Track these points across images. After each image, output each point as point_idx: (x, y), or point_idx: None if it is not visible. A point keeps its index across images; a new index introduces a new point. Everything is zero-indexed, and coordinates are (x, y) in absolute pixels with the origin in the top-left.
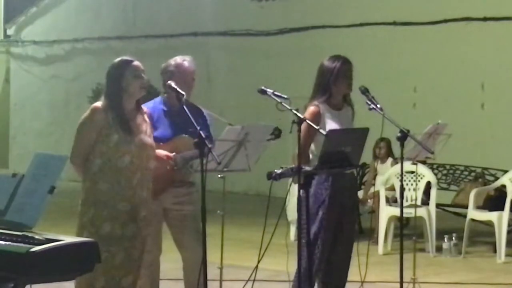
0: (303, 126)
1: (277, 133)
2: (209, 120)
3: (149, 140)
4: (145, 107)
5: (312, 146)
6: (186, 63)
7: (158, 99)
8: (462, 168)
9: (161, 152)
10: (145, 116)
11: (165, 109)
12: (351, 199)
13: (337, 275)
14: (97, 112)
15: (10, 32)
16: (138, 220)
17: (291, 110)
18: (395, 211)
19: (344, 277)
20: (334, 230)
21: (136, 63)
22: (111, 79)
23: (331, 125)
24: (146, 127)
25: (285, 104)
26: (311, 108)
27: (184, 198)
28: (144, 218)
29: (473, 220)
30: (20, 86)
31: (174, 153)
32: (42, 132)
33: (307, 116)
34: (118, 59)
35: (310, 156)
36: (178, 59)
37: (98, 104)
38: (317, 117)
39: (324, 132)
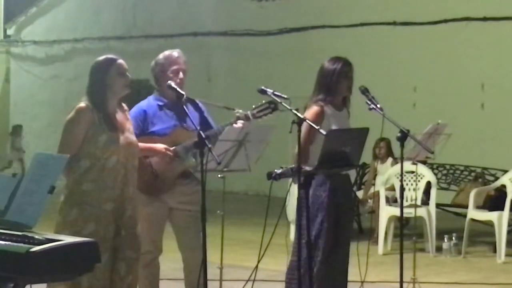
0: (305, 125)
1: (273, 106)
2: (205, 111)
3: (134, 138)
4: (125, 104)
5: (312, 146)
6: (175, 54)
7: (151, 97)
8: (462, 168)
9: (159, 145)
10: (127, 114)
11: (160, 103)
12: (347, 199)
13: (336, 276)
14: (83, 112)
15: (10, 32)
16: (123, 219)
17: (291, 110)
18: (395, 211)
19: (344, 278)
20: (333, 232)
21: (120, 61)
22: (96, 77)
23: (335, 126)
24: (129, 125)
25: (285, 104)
26: (315, 108)
27: (190, 198)
28: (130, 216)
29: (473, 220)
30: (20, 86)
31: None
32: (42, 132)
33: (310, 115)
34: (102, 57)
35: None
36: (166, 52)
37: (82, 104)
38: (321, 117)
39: (324, 132)
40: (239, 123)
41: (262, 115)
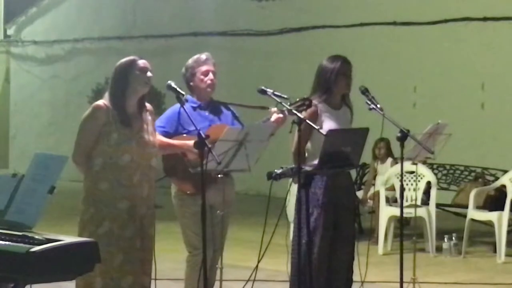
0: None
1: (308, 103)
2: (235, 111)
3: (151, 138)
4: (149, 105)
5: (308, 145)
6: (203, 56)
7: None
8: (462, 168)
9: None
10: (148, 114)
11: (194, 105)
12: (348, 199)
13: (338, 276)
14: (99, 111)
15: (10, 32)
16: (137, 219)
17: (291, 110)
18: (395, 211)
19: (344, 277)
20: (331, 231)
21: (141, 60)
22: (117, 75)
23: (328, 124)
24: (148, 125)
25: (285, 104)
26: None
27: (224, 198)
28: (144, 217)
29: (473, 220)
30: (20, 86)
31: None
32: (42, 132)
33: (305, 115)
34: (126, 58)
35: (306, 154)
36: (195, 56)
37: (100, 102)
38: (314, 117)
39: (324, 132)
40: (275, 116)
41: (297, 112)
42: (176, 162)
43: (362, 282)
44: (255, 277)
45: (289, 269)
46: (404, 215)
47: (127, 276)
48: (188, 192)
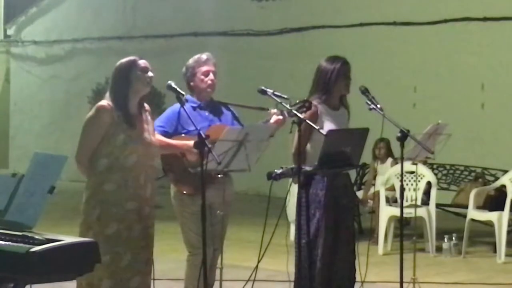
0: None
1: (308, 105)
2: (235, 112)
3: (152, 138)
4: (147, 105)
5: (308, 146)
6: (204, 56)
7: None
8: (462, 168)
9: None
10: (147, 114)
11: (194, 105)
12: (347, 198)
13: (338, 276)
14: (103, 111)
15: (10, 32)
16: (143, 219)
17: (291, 110)
18: (395, 211)
19: (346, 277)
20: (333, 231)
21: (142, 60)
22: (118, 76)
23: (328, 125)
24: (148, 125)
25: (285, 104)
26: None
27: (223, 199)
28: (148, 216)
29: (473, 220)
30: (20, 86)
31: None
32: (42, 132)
33: (305, 116)
34: (126, 58)
35: (305, 156)
36: (195, 56)
37: (104, 103)
38: (315, 117)
39: (324, 132)
40: (274, 118)
41: (296, 114)
42: (173, 162)
43: (362, 282)
44: (255, 277)
45: (291, 269)
46: (404, 215)
47: (135, 276)
48: (184, 193)
